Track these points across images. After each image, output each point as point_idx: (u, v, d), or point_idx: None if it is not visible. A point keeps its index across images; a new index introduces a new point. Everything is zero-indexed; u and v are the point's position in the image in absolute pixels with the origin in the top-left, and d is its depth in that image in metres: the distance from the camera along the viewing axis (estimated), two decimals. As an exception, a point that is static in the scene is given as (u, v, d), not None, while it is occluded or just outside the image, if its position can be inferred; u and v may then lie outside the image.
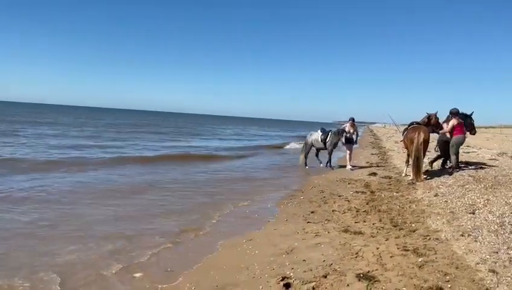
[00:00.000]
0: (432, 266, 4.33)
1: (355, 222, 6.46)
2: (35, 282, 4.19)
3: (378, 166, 14.28)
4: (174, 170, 13.09)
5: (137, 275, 4.47)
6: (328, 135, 13.95)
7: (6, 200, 7.65)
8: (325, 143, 13.96)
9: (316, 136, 14.31)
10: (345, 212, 7.15)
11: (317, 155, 14.83)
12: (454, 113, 10.46)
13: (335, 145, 13.97)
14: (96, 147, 19.42)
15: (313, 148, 14.62)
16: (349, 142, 13.86)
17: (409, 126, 10.76)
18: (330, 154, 14.06)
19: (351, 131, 13.89)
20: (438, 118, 10.71)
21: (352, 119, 14.08)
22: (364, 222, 6.48)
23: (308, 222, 6.58)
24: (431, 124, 10.60)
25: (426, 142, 9.93)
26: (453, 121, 10.33)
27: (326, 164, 14.12)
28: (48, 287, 4.10)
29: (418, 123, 10.60)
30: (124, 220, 6.67)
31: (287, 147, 26.01)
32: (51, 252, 5.07)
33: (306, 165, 14.41)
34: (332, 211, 7.33)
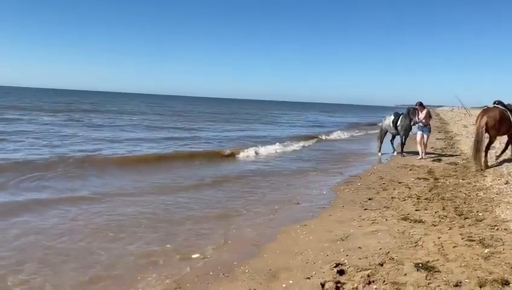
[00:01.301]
0: (499, 257, 4.04)
1: (416, 210, 6.19)
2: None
3: (443, 152, 13.54)
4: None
5: (195, 256, 4.63)
6: (399, 117, 12.93)
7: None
8: (396, 127, 12.98)
9: (389, 120, 13.30)
10: (405, 200, 6.88)
11: (391, 141, 13.96)
12: None
13: (408, 129, 12.79)
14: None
15: (389, 133, 13.68)
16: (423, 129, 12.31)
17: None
18: (402, 139, 13.02)
19: (423, 117, 12.23)
20: None
21: (420, 104, 12.41)
22: (426, 210, 6.19)
23: (365, 209, 6.41)
24: None
25: (489, 125, 9.19)
26: None
27: (401, 151, 13.13)
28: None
29: (500, 104, 9.61)
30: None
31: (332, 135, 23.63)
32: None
33: (380, 151, 13.64)
34: (392, 198, 7.08)
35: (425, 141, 12.23)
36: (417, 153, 12.41)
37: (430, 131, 12.52)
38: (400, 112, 13.27)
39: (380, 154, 13.49)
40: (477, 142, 9.23)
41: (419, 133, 12.23)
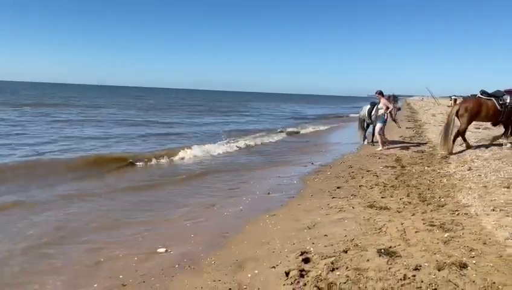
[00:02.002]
0: (458, 241, 4.17)
1: (382, 197, 6.32)
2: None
3: (411, 140, 13.86)
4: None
5: (162, 250, 4.58)
6: (374, 107, 12.66)
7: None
8: (370, 116, 12.79)
9: (365, 110, 13.04)
10: (372, 188, 7.01)
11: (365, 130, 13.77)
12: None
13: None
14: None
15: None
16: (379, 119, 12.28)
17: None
18: (373, 129, 12.89)
19: (382, 106, 12.13)
20: None
21: (380, 92, 12.26)
22: (392, 197, 6.32)
23: (333, 197, 6.50)
24: None
25: (459, 113, 9.53)
26: None
27: (372, 140, 13.24)
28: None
29: (484, 94, 9.75)
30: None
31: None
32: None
33: (365, 139, 13.56)
34: (359, 186, 7.20)
35: (377, 131, 12.23)
36: (392, 142, 12.76)
37: (384, 121, 12.30)
38: (375, 102, 13.02)
39: (365, 142, 13.48)
40: (446, 127, 9.64)
41: (378, 124, 12.19)
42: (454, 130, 9.70)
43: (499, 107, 9.38)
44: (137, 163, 10.13)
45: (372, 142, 13.18)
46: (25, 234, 5.04)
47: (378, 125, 12.19)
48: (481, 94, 9.74)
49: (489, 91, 9.72)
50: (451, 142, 9.66)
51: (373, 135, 13.17)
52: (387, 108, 11.98)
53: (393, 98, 13.72)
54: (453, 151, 9.68)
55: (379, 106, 12.20)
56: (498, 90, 9.67)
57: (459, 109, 9.58)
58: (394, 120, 13.98)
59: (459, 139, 9.92)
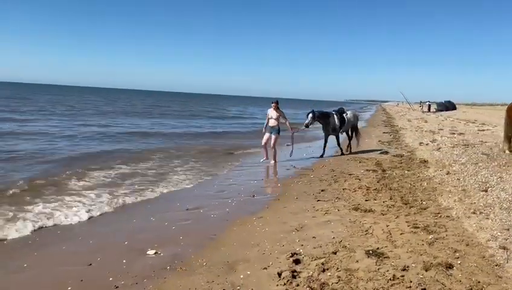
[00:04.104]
0: (442, 243, 4.33)
1: (366, 200, 6.45)
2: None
3: (390, 145, 14.17)
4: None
5: (151, 251, 4.55)
6: (339, 115, 12.09)
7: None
8: (329, 127, 11.89)
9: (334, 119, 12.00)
10: (355, 191, 7.14)
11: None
12: None
13: (336, 129, 11.90)
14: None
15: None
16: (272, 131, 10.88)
17: None
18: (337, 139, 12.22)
19: (273, 117, 10.84)
20: None
21: (276, 102, 10.98)
22: (375, 200, 6.47)
23: (318, 200, 6.59)
24: None
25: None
26: None
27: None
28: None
29: None
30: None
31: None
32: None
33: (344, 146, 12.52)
34: (343, 189, 7.32)
35: (272, 142, 10.78)
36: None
37: (278, 132, 10.86)
38: (342, 110, 12.56)
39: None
40: (505, 129, 10.26)
41: (266, 135, 10.90)
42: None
43: None
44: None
45: (342, 152, 12.12)
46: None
47: (273, 137, 10.76)
48: None
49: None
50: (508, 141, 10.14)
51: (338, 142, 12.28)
52: (279, 119, 10.80)
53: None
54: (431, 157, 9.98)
55: (273, 117, 10.82)
56: None
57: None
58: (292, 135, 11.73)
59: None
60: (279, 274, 3.73)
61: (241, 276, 3.79)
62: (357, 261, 3.95)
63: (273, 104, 10.89)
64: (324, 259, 4.01)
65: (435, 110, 48.03)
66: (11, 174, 8.42)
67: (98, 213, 6.17)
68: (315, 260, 4.03)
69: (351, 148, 12.63)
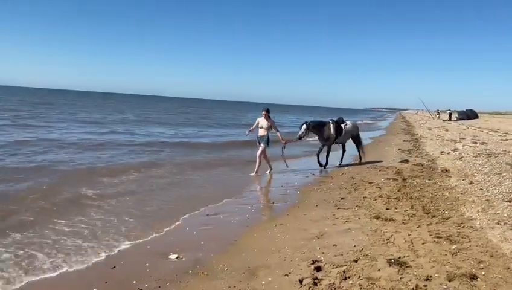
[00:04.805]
0: (466, 253, 4.27)
1: (387, 209, 6.41)
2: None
3: (410, 153, 14.00)
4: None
5: (172, 256, 4.62)
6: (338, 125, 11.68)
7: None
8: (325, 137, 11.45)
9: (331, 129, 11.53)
10: (375, 199, 7.10)
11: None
12: None
13: (331, 138, 11.48)
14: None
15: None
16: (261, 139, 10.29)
17: None
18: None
19: (264, 126, 10.21)
20: None
21: (267, 110, 10.29)
22: (396, 208, 6.42)
23: (338, 208, 6.58)
24: None
25: None
26: None
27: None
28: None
29: None
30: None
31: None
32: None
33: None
34: (363, 197, 7.29)
35: (258, 153, 10.20)
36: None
37: (267, 143, 10.18)
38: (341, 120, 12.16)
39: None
40: None
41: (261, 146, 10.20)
42: None
43: None
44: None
45: (324, 166, 11.30)
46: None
47: (261, 148, 10.18)
48: None
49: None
50: None
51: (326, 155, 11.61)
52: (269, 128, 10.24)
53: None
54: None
55: (263, 126, 10.23)
56: None
57: None
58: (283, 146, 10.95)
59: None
60: (301, 281, 3.75)
61: (263, 282, 3.83)
62: (379, 269, 3.93)
63: (263, 113, 10.18)
64: (345, 267, 4.01)
65: (456, 119, 47.38)
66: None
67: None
68: (336, 267, 4.03)
69: (361, 158, 12.55)
